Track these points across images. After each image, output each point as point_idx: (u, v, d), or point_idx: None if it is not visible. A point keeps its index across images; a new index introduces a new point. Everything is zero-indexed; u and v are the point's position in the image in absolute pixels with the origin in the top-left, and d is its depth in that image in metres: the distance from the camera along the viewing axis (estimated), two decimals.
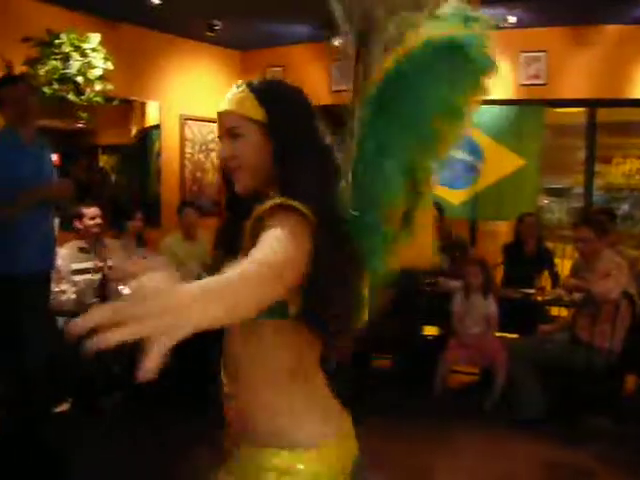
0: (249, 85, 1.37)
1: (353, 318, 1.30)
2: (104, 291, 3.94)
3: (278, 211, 1.19)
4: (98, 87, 4.51)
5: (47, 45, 4.35)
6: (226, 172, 1.39)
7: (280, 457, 1.30)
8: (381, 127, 1.21)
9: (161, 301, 0.83)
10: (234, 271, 0.99)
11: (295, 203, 1.19)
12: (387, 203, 1.22)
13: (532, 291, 4.68)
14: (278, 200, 1.21)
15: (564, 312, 4.84)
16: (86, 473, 3.21)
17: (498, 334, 4.48)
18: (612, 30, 5.86)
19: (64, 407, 3.94)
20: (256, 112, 1.33)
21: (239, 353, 1.34)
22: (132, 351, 0.82)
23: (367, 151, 1.22)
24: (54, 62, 4.32)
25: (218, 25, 5.80)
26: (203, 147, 6.75)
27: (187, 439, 3.65)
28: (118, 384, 3.97)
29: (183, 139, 6.54)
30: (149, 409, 3.94)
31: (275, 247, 1.10)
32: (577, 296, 4.19)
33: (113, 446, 3.57)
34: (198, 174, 6.75)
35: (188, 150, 6.61)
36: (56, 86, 4.33)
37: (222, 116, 1.37)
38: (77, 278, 4.28)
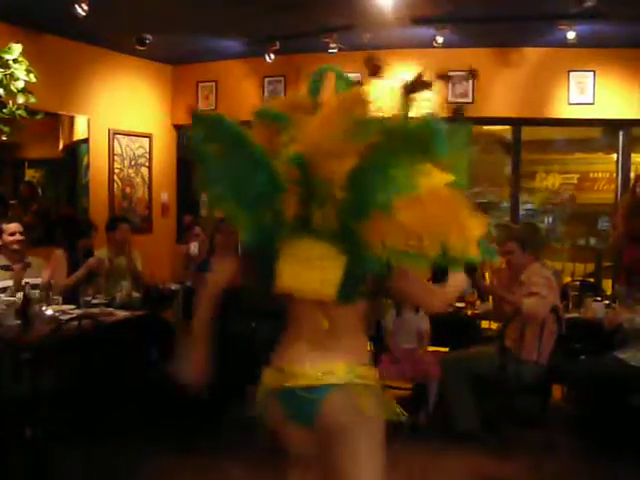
0: None
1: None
2: (26, 312, 3.76)
3: None
4: (21, 100, 4.34)
5: None
6: None
7: None
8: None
9: None
10: None
11: None
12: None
13: (462, 305, 4.77)
14: None
15: (494, 325, 4.94)
16: None
17: (431, 348, 4.53)
18: (534, 52, 6.11)
19: None
20: None
21: None
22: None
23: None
24: None
25: (149, 39, 5.70)
26: (133, 162, 6.60)
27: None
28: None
29: (112, 154, 6.38)
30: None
31: None
32: (508, 308, 4.27)
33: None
34: (128, 190, 6.59)
35: (117, 165, 6.45)
36: None
37: None
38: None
